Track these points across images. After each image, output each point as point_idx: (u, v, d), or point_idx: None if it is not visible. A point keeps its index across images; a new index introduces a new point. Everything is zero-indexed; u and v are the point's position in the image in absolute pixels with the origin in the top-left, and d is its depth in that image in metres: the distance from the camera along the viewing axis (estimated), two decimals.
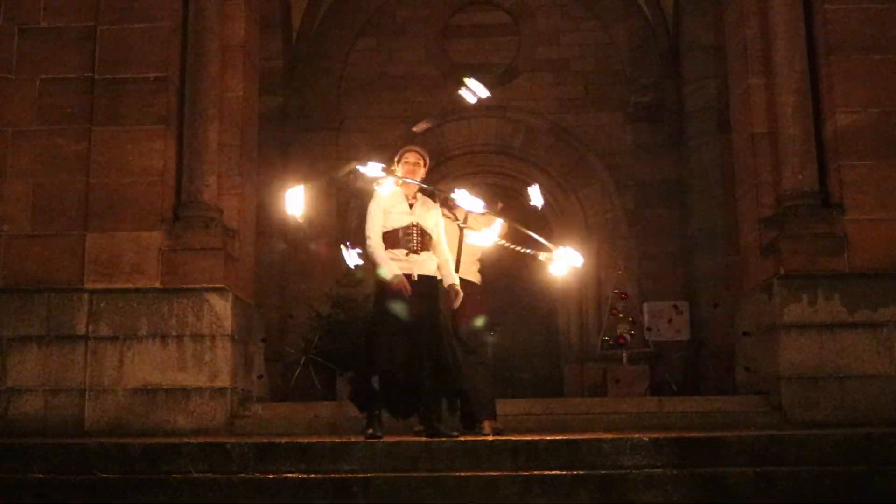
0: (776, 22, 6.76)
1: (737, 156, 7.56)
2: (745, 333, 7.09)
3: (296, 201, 5.32)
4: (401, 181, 5.37)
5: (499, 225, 5.91)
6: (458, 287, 5.45)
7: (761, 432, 5.03)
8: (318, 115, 11.90)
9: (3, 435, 5.92)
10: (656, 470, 4.23)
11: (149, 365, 6.40)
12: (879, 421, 5.96)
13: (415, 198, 5.42)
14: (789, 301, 6.35)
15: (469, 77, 5.88)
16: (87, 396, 6.36)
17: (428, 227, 5.36)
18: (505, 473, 4.21)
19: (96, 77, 6.77)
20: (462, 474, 4.20)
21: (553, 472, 4.19)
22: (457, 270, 5.89)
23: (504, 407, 6.12)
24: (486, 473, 4.21)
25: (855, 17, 6.64)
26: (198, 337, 6.45)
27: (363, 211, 5.53)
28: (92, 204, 6.63)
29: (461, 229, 6.05)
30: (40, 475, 4.35)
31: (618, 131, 11.85)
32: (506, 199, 6.45)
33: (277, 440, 4.73)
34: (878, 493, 4.11)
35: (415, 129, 5.39)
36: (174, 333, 6.45)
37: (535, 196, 5.82)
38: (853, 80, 6.59)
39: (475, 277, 6.04)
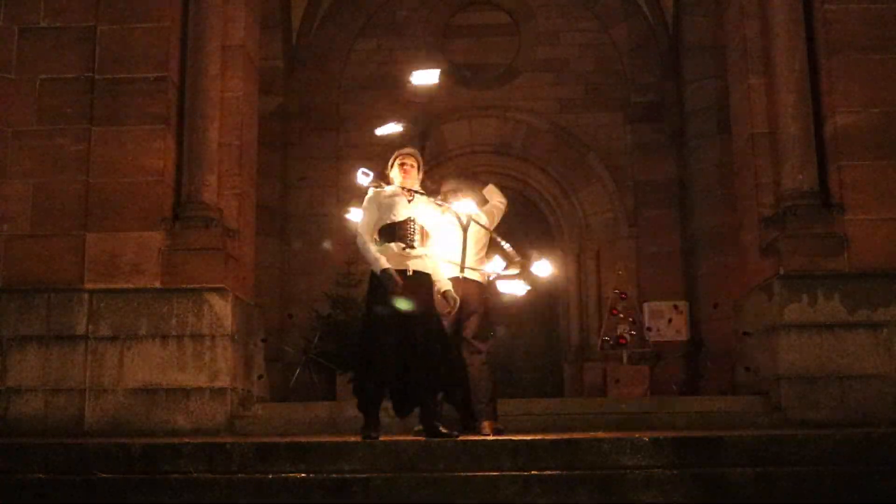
0: (776, 22, 6.76)
1: (737, 156, 7.57)
2: (745, 333, 7.09)
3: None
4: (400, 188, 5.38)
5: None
6: (452, 293, 5.42)
7: (761, 432, 5.03)
8: (318, 115, 11.90)
9: (3, 435, 5.93)
10: (656, 470, 4.23)
11: (149, 365, 6.40)
12: (879, 421, 5.96)
13: (412, 194, 5.41)
14: (789, 301, 6.35)
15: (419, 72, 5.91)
16: (87, 396, 6.37)
17: (426, 224, 5.35)
18: (505, 473, 4.21)
19: (96, 77, 6.77)
20: (462, 474, 4.20)
21: (553, 472, 4.19)
22: (462, 271, 5.89)
23: (504, 407, 6.12)
24: (486, 473, 4.21)
25: (855, 17, 6.64)
26: (198, 337, 6.45)
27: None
28: (92, 204, 6.63)
29: (464, 230, 6.04)
30: (40, 475, 4.35)
31: (618, 131, 11.84)
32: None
33: (277, 440, 4.73)
34: (878, 493, 4.11)
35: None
36: (174, 333, 6.45)
37: (543, 269, 5.88)
38: (853, 80, 6.59)
39: (481, 277, 6.03)
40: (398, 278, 5.08)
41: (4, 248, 6.60)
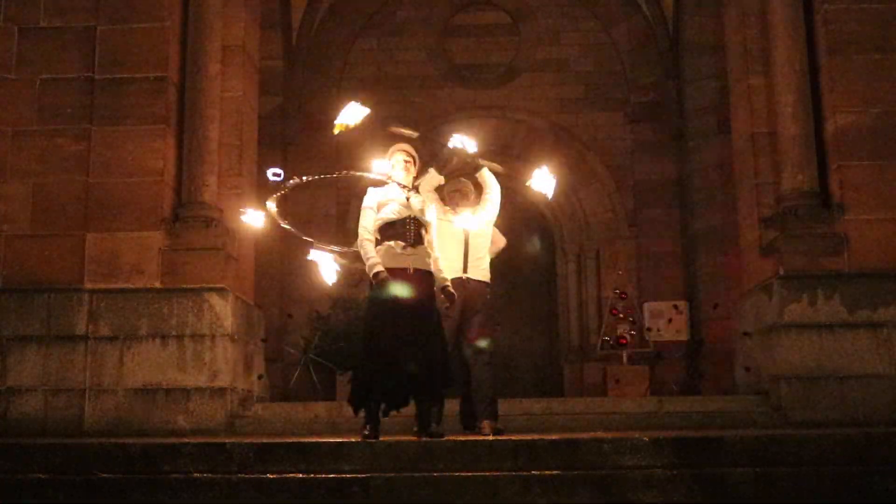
0: (776, 22, 6.76)
1: (737, 156, 7.57)
2: (745, 333, 7.09)
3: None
4: (399, 183, 5.37)
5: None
6: (450, 289, 5.41)
7: (761, 432, 5.03)
8: (318, 115, 11.89)
9: (3, 435, 5.93)
10: (656, 470, 4.23)
11: (149, 365, 6.40)
12: (879, 421, 5.96)
13: (410, 191, 5.40)
14: (789, 301, 6.35)
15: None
16: (87, 396, 6.37)
17: (424, 222, 5.34)
18: (505, 473, 4.21)
19: (96, 77, 6.77)
20: (462, 474, 4.20)
21: (553, 472, 4.19)
22: (465, 270, 5.88)
23: (504, 407, 6.11)
24: (486, 473, 4.21)
25: (855, 17, 6.64)
26: (198, 337, 6.45)
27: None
28: (92, 204, 6.63)
29: (465, 230, 6.03)
30: (40, 475, 4.35)
31: (618, 131, 11.85)
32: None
33: (277, 440, 4.73)
34: (878, 493, 4.11)
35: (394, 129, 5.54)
36: (174, 333, 6.45)
37: (543, 181, 5.80)
38: (853, 80, 6.59)
39: (483, 276, 6.02)
40: (391, 283, 5.08)
41: (4, 248, 6.60)
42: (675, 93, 11.53)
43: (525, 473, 4.19)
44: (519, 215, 10.91)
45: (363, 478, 4.18)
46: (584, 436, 4.77)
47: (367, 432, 4.95)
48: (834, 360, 6.23)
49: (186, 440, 4.87)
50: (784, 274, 6.45)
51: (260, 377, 7.30)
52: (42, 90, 6.76)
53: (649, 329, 10.37)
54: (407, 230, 5.25)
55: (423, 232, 5.33)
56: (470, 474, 4.20)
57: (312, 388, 9.65)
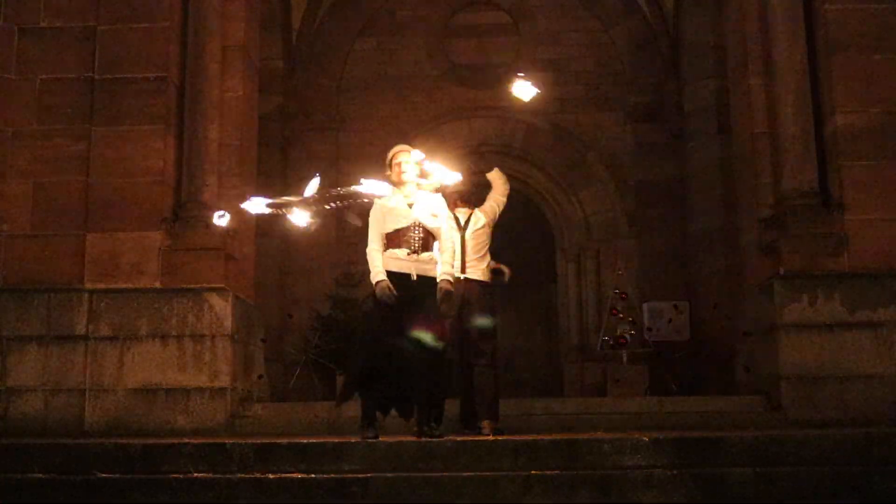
0: (776, 22, 6.76)
1: (737, 156, 7.57)
2: (745, 333, 7.09)
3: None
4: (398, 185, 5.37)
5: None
6: (448, 284, 5.40)
7: (761, 432, 5.03)
8: (318, 115, 11.90)
9: (3, 435, 5.92)
10: (656, 470, 4.23)
11: (149, 365, 6.40)
12: (879, 421, 5.96)
13: (413, 194, 5.39)
14: (789, 301, 6.35)
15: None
16: (87, 396, 6.37)
17: (430, 226, 5.34)
18: (505, 473, 4.21)
19: (96, 77, 6.77)
20: (462, 474, 4.21)
21: (553, 472, 4.19)
22: (463, 271, 5.88)
23: (504, 407, 6.11)
24: (486, 473, 4.21)
25: (855, 17, 6.64)
26: (198, 337, 6.45)
27: (363, 212, 5.52)
28: (92, 204, 6.63)
29: (462, 230, 6.04)
30: (40, 475, 4.36)
31: (618, 131, 11.84)
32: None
33: (277, 440, 4.73)
34: (878, 493, 4.12)
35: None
36: (174, 333, 6.45)
37: (524, 89, 5.76)
38: (853, 80, 6.58)
39: (483, 276, 6.01)
40: (391, 292, 5.09)
41: (4, 248, 6.60)
42: (675, 93, 11.52)
43: (525, 473, 4.19)
44: (519, 215, 10.92)
45: (363, 478, 4.18)
46: (584, 436, 4.77)
47: (366, 432, 4.96)
48: (834, 360, 6.23)
49: (186, 440, 4.87)
50: (784, 274, 6.45)
51: (260, 377, 7.30)
52: (42, 90, 6.76)
53: (649, 329, 10.37)
54: (411, 237, 5.26)
55: (430, 238, 5.32)
56: (470, 474, 4.20)
57: (312, 388, 9.66)
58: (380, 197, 5.34)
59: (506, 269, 6.09)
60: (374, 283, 5.22)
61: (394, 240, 5.27)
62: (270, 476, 4.25)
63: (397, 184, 5.38)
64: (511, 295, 11.19)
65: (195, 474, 4.29)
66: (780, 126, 6.71)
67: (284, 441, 4.62)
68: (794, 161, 6.59)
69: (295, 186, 11.62)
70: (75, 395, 6.36)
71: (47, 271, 6.55)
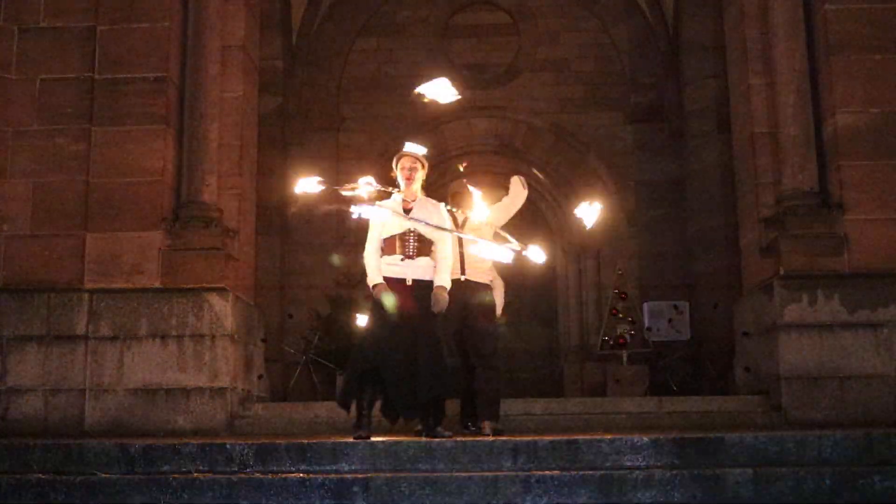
0: (776, 22, 6.76)
1: (737, 156, 7.57)
2: (745, 333, 7.09)
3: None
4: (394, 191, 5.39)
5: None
6: (444, 291, 5.38)
7: (761, 432, 5.03)
8: (318, 115, 11.91)
9: (3, 435, 5.92)
10: (656, 470, 4.23)
11: (149, 365, 6.40)
12: (879, 421, 5.96)
13: (414, 201, 5.38)
14: (789, 301, 6.35)
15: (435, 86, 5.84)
16: (87, 396, 6.37)
17: (426, 232, 5.32)
18: (505, 473, 4.21)
19: (96, 77, 6.77)
20: (462, 474, 4.20)
21: (553, 472, 4.19)
22: (462, 272, 5.87)
23: (504, 407, 6.11)
24: (486, 473, 4.21)
25: (855, 17, 6.64)
26: (198, 337, 6.45)
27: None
28: (92, 204, 6.63)
29: (459, 227, 6.03)
30: (40, 475, 4.36)
31: (618, 131, 11.86)
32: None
33: (277, 440, 4.73)
34: (878, 493, 4.11)
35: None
36: (174, 333, 6.45)
37: (587, 212, 5.83)
38: (853, 80, 6.59)
39: (485, 278, 6.01)
40: (387, 294, 5.12)
41: (4, 248, 6.60)
42: (675, 93, 11.54)
43: (525, 473, 4.19)
44: (519, 215, 10.92)
45: (363, 478, 4.18)
46: (584, 436, 4.77)
47: (359, 432, 4.96)
48: (834, 360, 6.23)
49: (186, 440, 4.87)
50: (784, 274, 6.45)
51: (260, 377, 7.30)
52: (42, 90, 6.76)
53: (649, 329, 10.37)
54: (406, 242, 5.27)
55: (427, 244, 5.31)
56: (470, 474, 4.20)
57: (312, 388, 9.66)
58: (385, 195, 5.36)
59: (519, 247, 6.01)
60: (370, 286, 5.25)
61: (389, 245, 5.28)
62: (270, 476, 4.25)
63: (400, 180, 5.38)
64: (511, 295, 11.23)
65: (195, 474, 4.29)
66: (780, 126, 6.71)
67: (284, 441, 4.62)
68: (794, 161, 6.59)
69: (295, 186, 11.65)
70: (75, 395, 6.36)
71: (47, 271, 6.56)
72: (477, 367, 5.84)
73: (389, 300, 5.11)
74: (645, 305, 10.68)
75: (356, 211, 5.34)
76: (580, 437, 4.67)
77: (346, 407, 5.22)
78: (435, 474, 4.21)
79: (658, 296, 10.88)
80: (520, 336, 11.58)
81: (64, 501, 4.22)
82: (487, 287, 6.01)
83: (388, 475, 4.22)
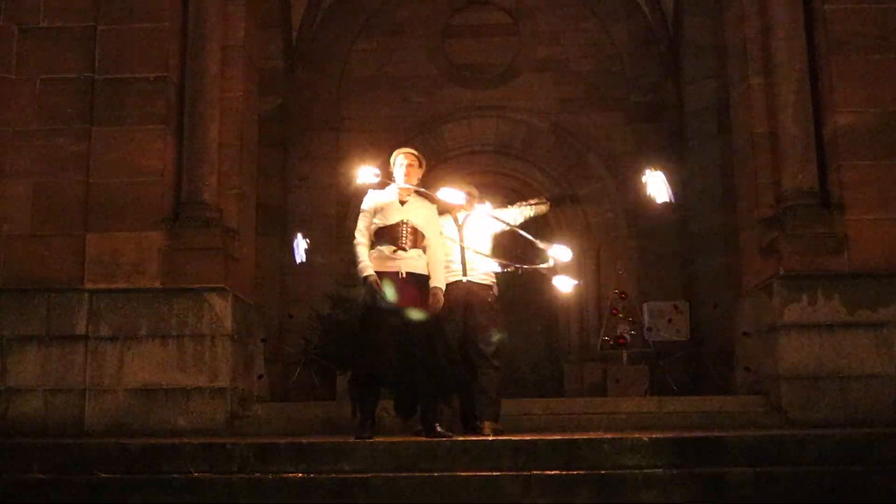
0: (776, 22, 6.76)
1: (737, 156, 7.56)
2: (745, 333, 7.09)
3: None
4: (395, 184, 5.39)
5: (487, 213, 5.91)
6: (441, 290, 5.40)
7: (761, 432, 5.03)
8: (318, 115, 11.90)
9: (3, 435, 5.92)
10: (656, 470, 4.23)
11: (149, 365, 6.40)
12: (879, 421, 5.96)
13: (409, 195, 5.40)
14: (789, 301, 6.35)
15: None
16: (87, 396, 6.36)
17: (419, 225, 5.33)
18: (505, 473, 4.21)
19: (96, 77, 6.77)
20: (462, 474, 4.21)
21: (553, 472, 4.19)
22: (464, 273, 5.89)
23: (504, 407, 6.11)
24: (486, 473, 4.21)
25: (855, 17, 6.64)
26: (198, 337, 6.45)
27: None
28: (92, 204, 6.63)
29: (460, 228, 6.05)
30: (40, 475, 4.36)
31: (618, 131, 11.84)
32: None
33: (277, 440, 4.73)
34: (878, 493, 4.12)
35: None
36: (174, 333, 6.45)
37: (658, 186, 5.85)
38: (853, 80, 6.59)
39: (484, 279, 6.02)
40: (378, 286, 5.10)
41: (4, 248, 6.60)
42: (675, 93, 11.53)
43: (525, 473, 4.19)
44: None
45: (363, 478, 4.18)
46: (584, 436, 4.77)
47: (362, 432, 4.96)
48: (834, 360, 6.23)
49: (186, 440, 4.87)
50: (784, 274, 6.45)
51: (260, 377, 7.30)
52: (42, 90, 6.76)
53: (649, 329, 10.37)
54: (399, 234, 5.26)
55: (419, 236, 5.32)
56: (470, 474, 4.20)
57: (312, 388, 9.66)
58: (381, 185, 5.39)
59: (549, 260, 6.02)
60: (361, 277, 5.22)
61: (382, 235, 5.27)
62: (270, 476, 4.25)
63: (398, 177, 5.40)
64: (511, 295, 11.23)
65: (195, 474, 4.29)
66: (780, 126, 6.71)
67: (284, 441, 4.62)
68: (794, 161, 6.59)
69: (295, 186, 11.68)
70: (75, 395, 6.35)
71: (47, 271, 6.55)
72: (478, 367, 5.84)
73: (386, 292, 5.10)
74: (645, 305, 10.68)
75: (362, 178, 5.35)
76: (580, 437, 4.67)
77: (353, 412, 5.20)
78: (435, 474, 4.21)
79: (658, 296, 10.86)
80: (520, 336, 11.58)
81: (64, 501, 4.22)
82: (489, 288, 6.02)
83: (389, 475, 4.22)
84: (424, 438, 4.90)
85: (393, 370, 5.04)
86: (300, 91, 11.85)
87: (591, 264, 11.63)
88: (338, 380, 9.24)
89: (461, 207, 6.00)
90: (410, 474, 4.22)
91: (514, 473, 4.20)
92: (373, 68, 12.12)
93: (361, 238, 5.31)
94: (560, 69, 12.03)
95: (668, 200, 5.93)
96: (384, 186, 5.48)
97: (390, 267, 5.20)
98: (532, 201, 6.34)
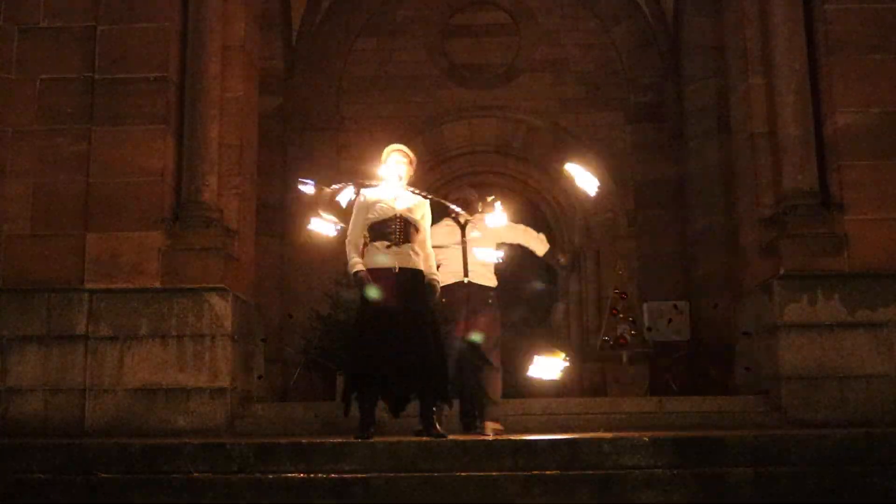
0: (776, 22, 6.76)
1: (737, 156, 7.56)
2: (745, 333, 7.09)
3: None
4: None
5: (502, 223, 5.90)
6: (436, 282, 5.40)
7: (761, 432, 5.03)
8: (318, 115, 11.90)
9: (3, 435, 5.92)
10: (656, 470, 4.23)
11: (149, 365, 6.40)
12: (879, 421, 5.96)
13: (400, 191, 5.39)
14: (789, 301, 6.35)
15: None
16: (87, 396, 6.36)
17: (412, 220, 5.32)
18: (505, 473, 4.21)
19: (96, 77, 6.77)
20: (462, 474, 4.20)
21: (553, 472, 4.19)
22: (465, 275, 5.90)
23: (504, 407, 6.12)
24: (486, 473, 4.21)
25: (855, 17, 6.64)
26: (198, 337, 6.45)
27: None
28: (92, 204, 6.63)
29: (462, 230, 6.05)
30: (40, 475, 4.35)
31: (618, 131, 11.84)
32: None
33: (277, 440, 4.73)
34: (878, 493, 4.12)
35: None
36: (174, 333, 6.45)
37: (588, 180, 5.84)
38: (853, 80, 6.59)
39: (487, 281, 6.02)
40: (367, 280, 5.11)
41: (4, 248, 6.60)
42: (675, 93, 11.53)
43: (525, 473, 4.19)
44: (519, 215, 10.92)
45: (363, 478, 4.18)
46: (584, 436, 4.77)
47: (362, 432, 4.96)
48: (834, 360, 6.23)
49: (186, 440, 4.87)
50: (784, 274, 6.45)
51: (260, 377, 7.30)
52: (42, 90, 6.76)
53: (649, 329, 10.37)
54: (392, 229, 5.26)
55: (412, 230, 5.31)
56: (470, 474, 4.20)
57: (312, 388, 9.65)
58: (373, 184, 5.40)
59: None
60: (351, 273, 5.24)
61: (375, 231, 5.27)
62: (270, 476, 4.25)
63: (388, 175, 5.41)
64: (511, 295, 11.24)
65: (195, 474, 4.29)
66: (780, 126, 6.71)
67: (284, 441, 4.62)
68: (794, 161, 6.59)
69: (295, 186, 11.67)
70: (75, 395, 6.35)
71: (47, 271, 6.55)
72: (478, 367, 5.85)
73: (373, 292, 5.10)
74: (645, 305, 10.68)
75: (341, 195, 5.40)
76: (580, 437, 4.67)
77: (345, 411, 5.21)
78: (435, 474, 4.21)
79: (658, 296, 10.86)
80: (520, 336, 11.58)
81: (64, 501, 4.22)
82: (490, 289, 6.03)
83: (388, 475, 4.22)
84: (424, 438, 4.90)
85: (384, 366, 5.02)
86: (300, 91, 11.85)
87: (591, 264, 11.63)
88: (338, 380, 9.21)
89: (462, 214, 6.01)
90: (410, 474, 4.22)
91: (513, 473, 4.20)
92: (373, 68, 12.12)
93: (353, 236, 5.32)
94: (560, 69, 12.03)
95: (597, 187, 5.91)
96: (356, 187, 5.47)
97: (383, 263, 5.19)
98: (542, 237, 6.30)
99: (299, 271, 11.34)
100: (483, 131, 12.02)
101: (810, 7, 6.80)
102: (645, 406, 6.92)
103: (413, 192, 5.44)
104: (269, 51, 10.71)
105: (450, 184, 11.52)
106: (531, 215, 11.83)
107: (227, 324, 6.49)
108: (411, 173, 5.50)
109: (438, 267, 5.59)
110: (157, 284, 6.56)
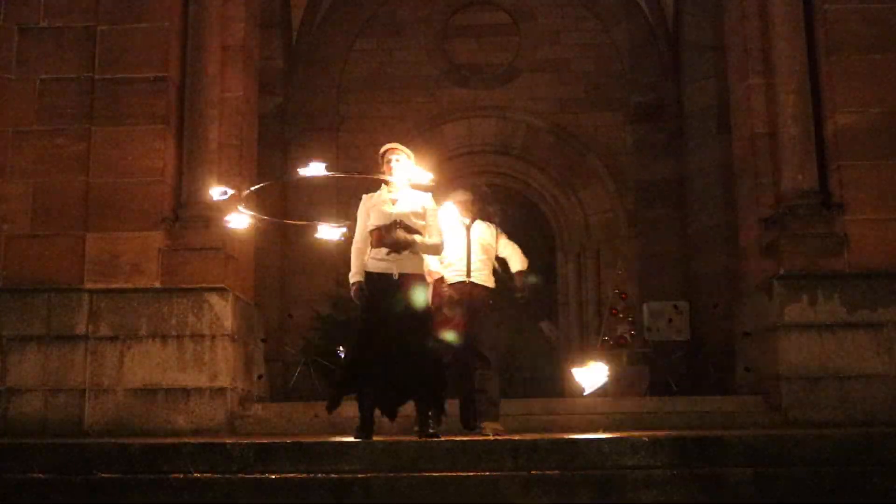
0: (776, 22, 6.76)
1: (737, 156, 7.57)
2: (745, 333, 7.09)
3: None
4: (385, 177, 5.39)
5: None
6: (434, 272, 5.42)
7: (761, 432, 5.03)
8: (318, 115, 11.90)
9: (3, 435, 5.93)
10: (656, 470, 4.23)
11: (149, 365, 6.40)
12: (879, 421, 5.96)
13: (399, 191, 5.37)
14: (789, 301, 6.35)
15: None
16: (87, 396, 6.37)
17: (412, 222, 5.30)
18: (505, 473, 4.21)
19: (96, 77, 6.77)
20: (462, 474, 4.20)
21: (553, 472, 4.19)
22: (468, 275, 5.90)
23: (504, 407, 6.12)
24: (486, 473, 4.21)
25: (855, 17, 6.65)
26: (198, 337, 6.45)
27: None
28: (92, 204, 6.63)
29: (468, 230, 6.05)
30: (40, 475, 4.35)
31: (618, 131, 11.84)
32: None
33: (277, 440, 4.73)
34: (878, 493, 4.11)
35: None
36: (174, 333, 6.45)
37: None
38: (853, 80, 6.59)
39: (488, 282, 6.03)
40: (360, 296, 5.16)
41: (4, 248, 6.61)
42: (675, 93, 11.53)
43: (525, 473, 4.19)
44: (519, 215, 10.93)
45: (363, 478, 4.18)
46: (584, 436, 4.77)
47: (361, 432, 4.96)
48: (834, 360, 6.24)
49: (186, 440, 4.87)
50: (784, 274, 6.45)
51: (260, 377, 7.30)
52: (42, 90, 6.77)
53: (649, 329, 10.36)
54: (391, 235, 5.24)
55: (411, 233, 5.28)
56: (470, 474, 4.20)
57: (312, 388, 9.65)
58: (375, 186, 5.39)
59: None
60: (350, 283, 5.27)
61: (375, 237, 5.26)
62: (270, 476, 4.24)
63: (386, 173, 5.39)
64: (511, 295, 11.23)
65: (195, 474, 4.28)
66: (780, 126, 6.71)
67: (284, 441, 4.62)
68: (794, 161, 6.59)
69: (295, 186, 11.66)
70: (75, 395, 6.36)
71: (47, 271, 6.56)
72: (477, 368, 5.85)
73: (376, 296, 5.12)
74: (645, 305, 10.67)
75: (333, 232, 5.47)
76: (580, 437, 4.67)
77: (330, 409, 5.20)
78: (435, 474, 4.21)
79: (658, 296, 10.86)
80: (520, 336, 11.58)
81: (64, 501, 4.22)
82: (489, 291, 6.03)
83: (388, 475, 4.22)
84: (424, 439, 4.90)
85: (379, 376, 5.02)
86: (300, 91, 11.85)
87: (591, 264, 11.63)
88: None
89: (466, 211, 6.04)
90: (410, 474, 4.22)
91: (513, 473, 4.20)
92: (373, 68, 12.12)
93: (357, 243, 5.32)
94: (560, 69, 12.02)
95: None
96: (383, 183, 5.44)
97: (383, 269, 5.19)
98: (525, 265, 6.27)
99: (299, 271, 11.34)
100: (483, 131, 12.01)
101: (810, 7, 6.80)
102: (645, 406, 6.92)
103: (415, 188, 5.40)
104: (269, 51, 10.71)
105: (451, 185, 11.50)
106: (531, 215, 11.85)
107: (227, 324, 6.50)
108: (412, 166, 5.44)
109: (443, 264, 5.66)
110: (157, 284, 6.56)
